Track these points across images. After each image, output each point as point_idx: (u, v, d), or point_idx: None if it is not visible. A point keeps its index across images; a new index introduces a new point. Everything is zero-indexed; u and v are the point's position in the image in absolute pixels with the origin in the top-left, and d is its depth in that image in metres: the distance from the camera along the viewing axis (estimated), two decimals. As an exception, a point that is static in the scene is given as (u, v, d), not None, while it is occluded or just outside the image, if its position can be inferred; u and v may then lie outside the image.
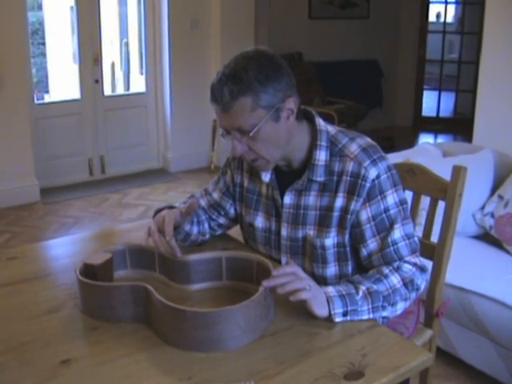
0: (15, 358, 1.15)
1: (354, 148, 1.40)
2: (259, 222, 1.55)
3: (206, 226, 1.64)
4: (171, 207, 1.57)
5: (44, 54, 5.98)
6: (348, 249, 1.44)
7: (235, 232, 1.73)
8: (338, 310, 1.25)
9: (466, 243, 2.57)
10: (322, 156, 1.41)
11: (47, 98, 5.67)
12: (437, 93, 7.15)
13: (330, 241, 1.43)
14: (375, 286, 1.31)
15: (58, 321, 1.29)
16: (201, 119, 5.16)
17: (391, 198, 1.39)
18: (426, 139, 6.72)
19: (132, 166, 5.15)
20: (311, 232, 1.45)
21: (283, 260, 1.52)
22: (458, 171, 1.62)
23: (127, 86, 6.29)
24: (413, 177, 1.73)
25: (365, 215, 1.38)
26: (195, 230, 1.59)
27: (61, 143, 4.75)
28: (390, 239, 1.38)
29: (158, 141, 5.29)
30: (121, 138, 5.07)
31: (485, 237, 2.64)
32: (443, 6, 7.07)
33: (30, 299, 1.40)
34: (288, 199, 1.46)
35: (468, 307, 2.21)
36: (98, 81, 4.85)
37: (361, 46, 6.47)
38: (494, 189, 2.67)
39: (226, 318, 1.15)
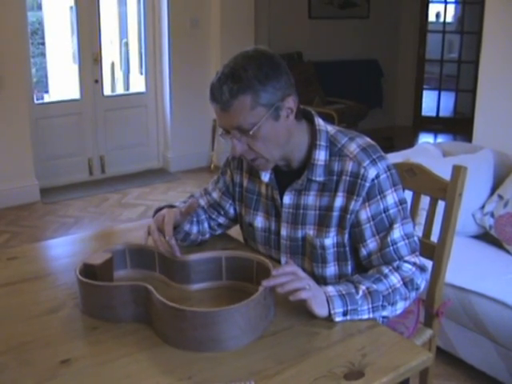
0: (15, 357, 1.15)
1: (353, 148, 1.40)
2: (259, 221, 1.55)
3: (206, 225, 1.64)
4: (171, 206, 1.57)
5: (44, 54, 5.98)
6: (348, 248, 1.44)
7: (235, 232, 1.73)
8: (338, 309, 1.25)
9: (465, 243, 2.57)
10: (321, 156, 1.41)
11: (47, 98, 5.67)
12: (437, 92, 7.15)
13: (330, 240, 1.43)
14: (375, 286, 1.31)
15: (58, 321, 1.29)
16: (201, 119, 5.16)
17: (391, 198, 1.39)
18: (425, 139, 6.72)
19: (132, 165, 5.15)
20: (311, 232, 1.45)
21: (283, 260, 1.52)
22: (458, 171, 1.62)
23: (127, 85, 6.28)
24: (412, 176, 1.73)
25: (364, 215, 1.38)
26: (195, 229, 1.59)
27: (61, 143, 4.75)
28: (389, 239, 1.38)
29: (157, 141, 5.30)
30: (121, 137, 5.07)
31: (485, 236, 2.64)
32: (443, 5, 7.07)
33: (30, 299, 1.40)
34: (287, 199, 1.46)
35: (468, 307, 2.21)
36: (98, 81, 4.85)
37: (361, 45, 6.46)
38: (494, 188, 2.67)
39: (225, 317, 1.15)
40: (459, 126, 6.53)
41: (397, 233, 1.39)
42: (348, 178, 1.38)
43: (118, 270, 1.46)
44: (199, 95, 4.93)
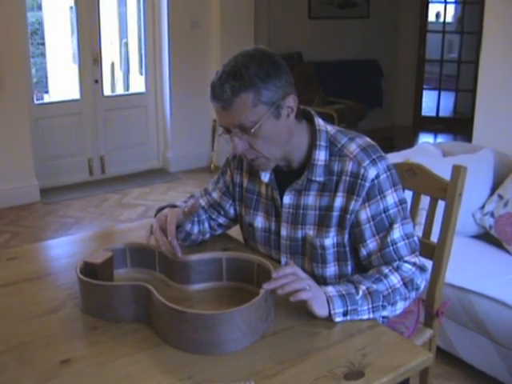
0: (15, 357, 1.15)
1: (353, 148, 1.40)
2: (259, 221, 1.55)
3: (206, 225, 1.64)
4: (173, 206, 1.57)
5: (44, 54, 5.98)
6: (347, 249, 1.44)
7: (235, 232, 1.73)
8: (338, 309, 1.25)
9: (465, 243, 2.57)
10: (321, 156, 1.41)
11: (47, 98, 5.67)
12: (436, 92, 7.15)
13: (330, 241, 1.43)
14: (375, 286, 1.31)
15: (58, 321, 1.29)
16: (201, 119, 5.16)
17: (391, 198, 1.39)
18: (425, 139, 6.72)
19: (132, 165, 5.15)
20: (311, 232, 1.45)
21: (283, 260, 1.52)
22: (458, 171, 1.62)
23: (127, 86, 6.28)
24: (413, 176, 1.73)
25: (364, 215, 1.38)
26: (196, 229, 1.59)
27: (61, 143, 4.75)
28: (389, 239, 1.38)
29: (157, 141, 5.30)
30: (121, 138, 5.07)
31: (485, 236, 2.64)
32: (443, 5, 7.07)
33: (30, 299, 1.39)
34: (287, 199, 1.46)
35: (468, 307, 2.21)
36: (98, 81, 4.85)
37: (361, 45, 6.47)
38: (494, 188, 2.67)
39: (226, 320, 1.14)
40: (459, 125, 6.53)
41: (397, 233, 1.39)
42: (348, 178, 1.38)
43: (119, 268, 1.46)
44: (199, 95, 4.93)
